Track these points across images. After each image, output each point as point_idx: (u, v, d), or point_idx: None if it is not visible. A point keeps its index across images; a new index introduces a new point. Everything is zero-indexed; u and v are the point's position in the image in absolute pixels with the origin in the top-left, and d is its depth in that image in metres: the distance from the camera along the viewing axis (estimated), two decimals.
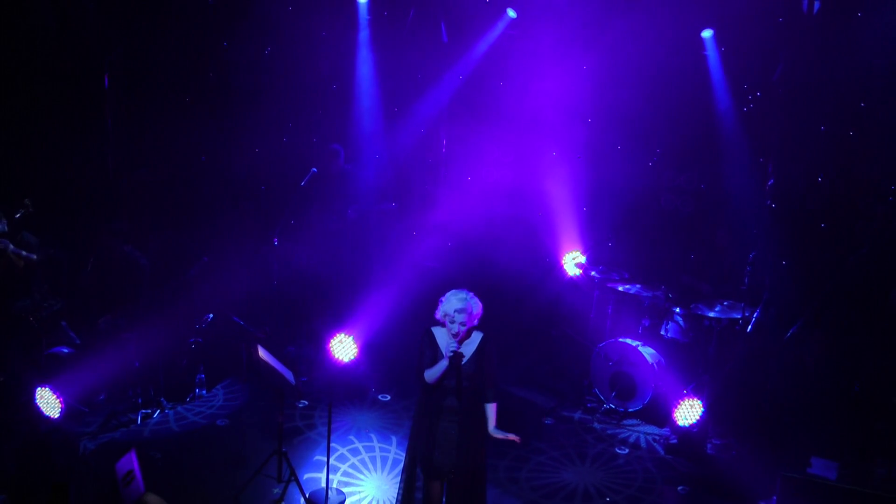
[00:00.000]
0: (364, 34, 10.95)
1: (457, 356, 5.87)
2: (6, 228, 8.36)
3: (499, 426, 6.03)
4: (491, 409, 6.07)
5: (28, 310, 8.54)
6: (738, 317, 8.54)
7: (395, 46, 11.03)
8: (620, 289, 9.22)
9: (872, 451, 7.93)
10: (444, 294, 6.02)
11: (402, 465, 6.37)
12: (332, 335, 7.49)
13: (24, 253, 8.37)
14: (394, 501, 6.49)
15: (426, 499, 6.16)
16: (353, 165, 10.36)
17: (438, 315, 6.03)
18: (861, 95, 9.32)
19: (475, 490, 6.12)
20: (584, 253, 9.84)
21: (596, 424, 8.81)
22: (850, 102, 9.37)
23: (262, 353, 7.05)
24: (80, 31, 10.17)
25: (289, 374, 7.17)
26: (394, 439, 8.24)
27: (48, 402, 7.57)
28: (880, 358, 8.34)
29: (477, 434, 6.06)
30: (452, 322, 5.90)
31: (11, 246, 8.28)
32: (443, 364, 5.87)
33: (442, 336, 6.04)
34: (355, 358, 7.50)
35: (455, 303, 5.91)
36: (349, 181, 10.08)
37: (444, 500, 6.12)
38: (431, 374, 5.93)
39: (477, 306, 6.00)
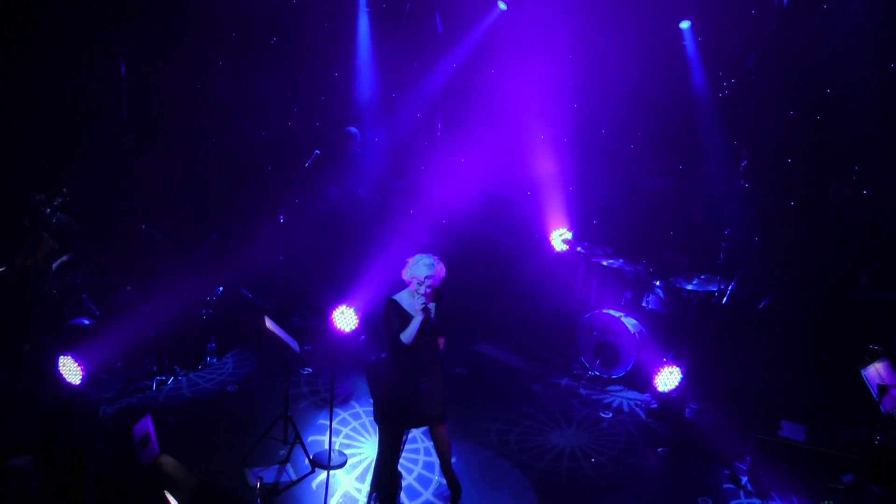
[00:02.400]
0: (363, 25, 10.81)
1: (427, 310, 5.99)
2: (48, 211, 8.56)
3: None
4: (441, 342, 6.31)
5: (53, 283, 8.51)
6: (714, 289, 8.50)
7: (392, 36, 10.93)
8: (604, 263, 9.19)
9: (838, 415, 7.87)
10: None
11: (382, 434, 6.33)
12: (334, 307, 7.37)
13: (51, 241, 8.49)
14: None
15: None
16: (363, 150, 10.30)
17: (405, 276, 6.11)
18: (828, 83, 9.30)
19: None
20: (570, 230, 9.81)
21: (582, 390, 8.74)
22: (818, 90, 9.36)
23: (268, 323, 7.00)
24: (97, 20, 10.03)
25: (294, 344, 7.14)
26: None
27: (70, 370, 7.52)
28: (845, 328, 8.29)
29: (445, 377, 6.40)
30: (420, 284, 5.99)
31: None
32: (416, 321, 5.99)
33: (405, 300, 6.12)
34: (356, 328, 7.39)
35: (424, 269, 6.02)
36: (360, 162, 10.00)
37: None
38: (408, 335, 6.03)
39: (442, 270, 6.10)
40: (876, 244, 8.62)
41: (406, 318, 6.07)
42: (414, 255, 6.16)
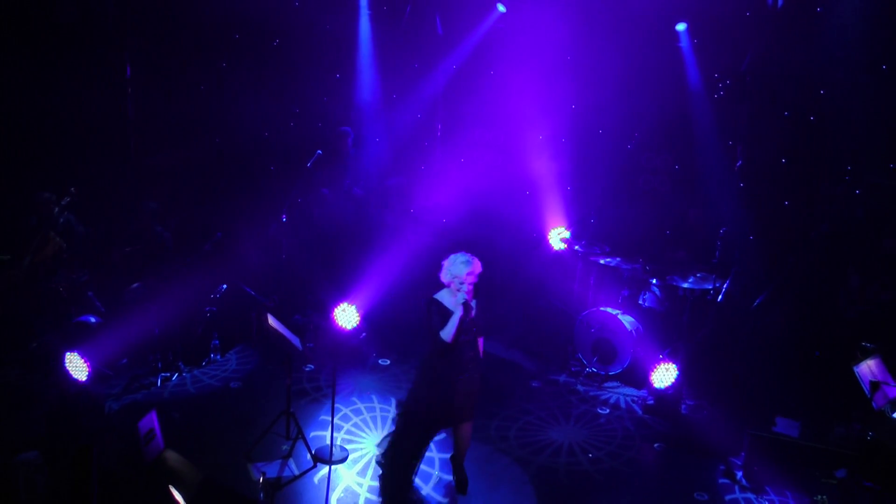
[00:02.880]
0: (365, 27, 10.80)
1: (467, 305, 5.99)
2: (56, 210, 8.62)
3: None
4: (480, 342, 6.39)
5: (60, 281, 8.54)
6: (710, 287, 8.50)
7: (393, 38, 10.92)
8: (602, 262, 9.18)
9: (831, 411, 7.88)
10: (443, 259, 6.17)
11: (408, 434, 6.36)
12: (335, 304, 7.38)
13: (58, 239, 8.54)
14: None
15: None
16: (356, 149, 10.28)
17: (444, 278, 6.11)
18: (821, 84, 9.27)
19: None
20: (568, 229, 9.80)
21: (579, 387, 8.74)
22: (811, 90, 9.31)
23: (271, 321, 7.00)
24: (103, 22, 10.02)
25: (296, 341, 7.13)
26: (393, 400, 8.15)
27: (76, 367, 7.57)
28: (838, 326, 8.29)
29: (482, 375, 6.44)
30: (462, 283, 5.99)
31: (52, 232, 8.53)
32: (455, 316, 5.97)
33: (446, 299, 6.11)
34: (357, 325, 7.39)
35: (462, 267, 6.02)
36: (354, 162, 9.99)
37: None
38: (448, 331, 5.98)
39: (479, 265, 6.10)
40: (868, 243, 8.62)
41: (447, 316, 6.05)
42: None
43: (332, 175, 9.91)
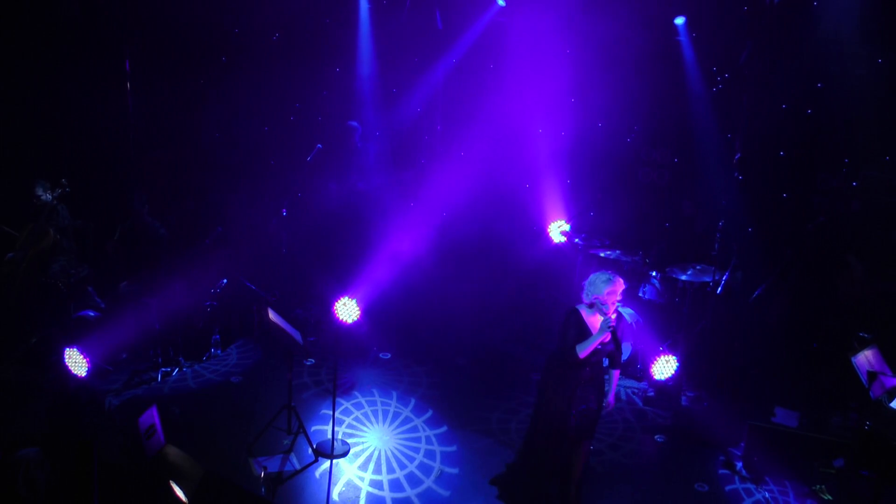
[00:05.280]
0: (365, 21, 10.70)
1: (614, 331, 5.67)
2: (51, 200, 8.48)
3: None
4: (614, 375, 6.13)
5: (58, 276, 8.44)
6: (709, 280, 8.42)
7: (393, 32, 10.81)
8: (602, 254, 9.10)
9: (830, 401, 7.86)
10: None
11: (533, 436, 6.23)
12: (336, 298, 7.29)
13: (52, 232, 8.45)
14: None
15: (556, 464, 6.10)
16: (364, 143, 10.20)
17: (587, 299, 5.86)
18: (818, 77, 9.20)
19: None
20: (568, 222, 9.71)
21: None
22: (809, 84, 9.25)
23: (272, 315, 6.93)
24: (102, 17, 9.92)
25: (297, 335, 7.06)
26: (394, 394, 8.09)
27: (76, 362, 7.46)
28: (835, 317, 8.26)
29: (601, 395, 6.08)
30: (603, 304, 5.75)
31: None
32: (596, 337, 5.70)
33: (586, 312, 5.87)
34: (358, 319, 7.31)
35: (603, 286, 5.77)
36: (361, 156, 9.89)
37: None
38: (584, 348, 5.71)
39: (621, 283, 5.85)
40: (864, 234, 8.58)
41: (582, 329, 5.81)
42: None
43: (338, 169, 9.79)
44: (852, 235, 8.65)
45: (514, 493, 6.51)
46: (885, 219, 8.62)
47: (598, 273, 5.90)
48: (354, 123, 10.07)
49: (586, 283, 5.92)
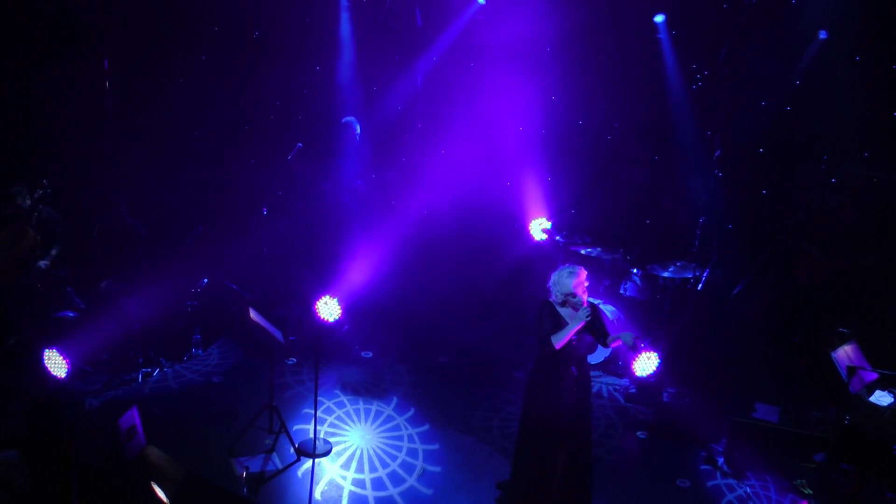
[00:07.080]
0: (345, 19, 10.63)
1: (591, 317, 5.67)
2: (29, 204, 8.31)
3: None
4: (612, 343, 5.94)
5: (36, 277, 8.32)
6: (690, 276, 8.45)
7: (373, 31, 10.74)
8: (583, 252, 9.12)
9: (809, 396, 7.91)
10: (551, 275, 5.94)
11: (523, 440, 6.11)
12: (317, 297, 7.25)
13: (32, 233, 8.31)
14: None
15: (547, 469, 5.93)
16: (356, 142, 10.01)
17: (556, 299, 5.84)
18: (796, 75, 9.25)
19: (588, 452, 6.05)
20: (549, 219, 9.72)
21: None
22: (787, 81, 9.30)
23: (253, 314, 6.87)
24: (80, 14, 9.80)
25: (278, 334, 7.03)
26: (376, 392, 8.06)
27: (55, 363, 7.37)
28: (814, 312, 8.32)
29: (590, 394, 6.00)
30: (574, 297, 5.76)
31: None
32: (572, 326, 5.65)
33: (559, 307, 5.85)
34: (339, 318, 7.28)
35: (569, 279, 5.77)
36: (355, 155, 9.75)
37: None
38: (559, 337, 5.67)
39: (584, 272, 5.85)
40: (842, 229, 8.64)
41: (558, 321, 5.78)
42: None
43: (332, 168, 9.60)
44: (831, 230, 8.69)
45: (497, 492, 6.51)
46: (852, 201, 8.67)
47: (558, 271, 5.91)
48: (351, 118, 9.66)
49: (550, 284, 5.91)
